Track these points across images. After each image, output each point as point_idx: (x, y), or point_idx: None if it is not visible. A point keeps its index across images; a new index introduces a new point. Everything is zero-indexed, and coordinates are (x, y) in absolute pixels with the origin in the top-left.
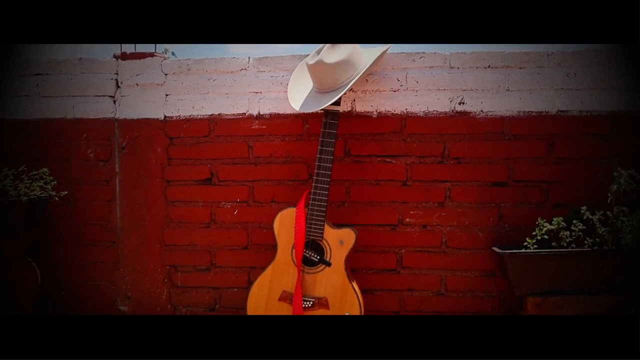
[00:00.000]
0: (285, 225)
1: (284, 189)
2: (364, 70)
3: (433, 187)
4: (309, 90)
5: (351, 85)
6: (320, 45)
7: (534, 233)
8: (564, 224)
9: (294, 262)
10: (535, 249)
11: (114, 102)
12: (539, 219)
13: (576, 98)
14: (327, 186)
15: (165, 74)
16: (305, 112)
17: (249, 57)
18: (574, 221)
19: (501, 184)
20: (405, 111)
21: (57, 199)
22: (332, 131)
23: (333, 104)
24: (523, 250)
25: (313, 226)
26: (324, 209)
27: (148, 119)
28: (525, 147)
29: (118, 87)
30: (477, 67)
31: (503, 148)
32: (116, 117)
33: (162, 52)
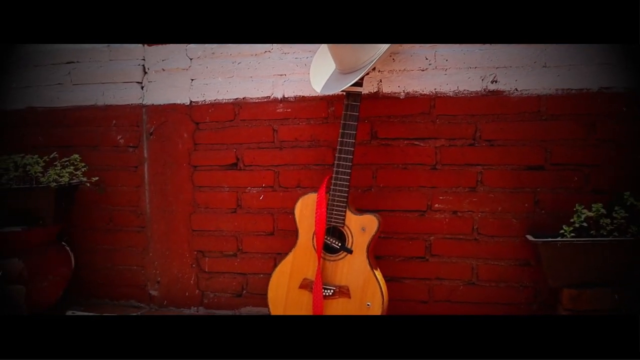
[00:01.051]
0: (307, 211)
1: (309, 173)
2: (384, 50)
3: (464, 171)
4: (332, 72)
5: (372, 65)
6: None
7: (571, 220)
8: (604, 210)
9: (314, 249)
10: (573, 237)
11: (142, 88)
12: (577, 205)
13: (621, 73)
14: (348, 171)
15: (190, 59)
16: (326, 94)
17: None
18: (616, 208)
19: (537, 167)
20: (434, 91)
21: (88, 184)
22: (353, 113)
23: (355, 85)
24: (558, 239)
25: (334, 212)
26: (346, 195)
27: (174, 104)
28: (563, 128)
29: (145, 72)
30: (510, 44)
31: (539, 129)
32: (144, 102)
33: None
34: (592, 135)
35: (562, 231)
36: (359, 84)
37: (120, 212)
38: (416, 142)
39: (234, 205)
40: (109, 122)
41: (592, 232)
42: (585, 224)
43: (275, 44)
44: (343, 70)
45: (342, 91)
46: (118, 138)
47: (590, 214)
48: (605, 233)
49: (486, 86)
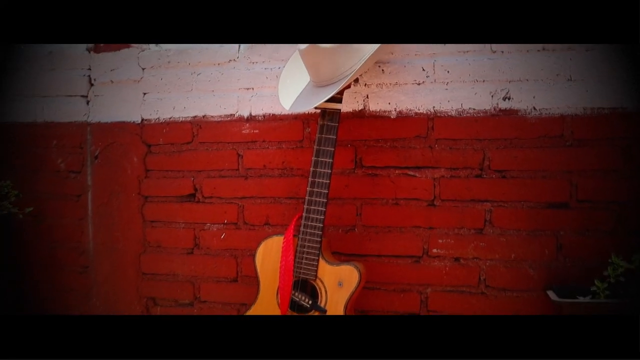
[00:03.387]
0: (270, 258)
1: (280, 208)
2: (369, 56)
3: (469, 209)
4: (305, 85)
5: (353, 76)
6: None
7: (605, 273)
8: None
9: (279, 306)
10: (607, 296)
11: (87, 102)
12: (612, 255)
13: None
14: (322, 209)
15: (143, 69)
16: (297, 112)
17: (239, 46)
18: None
19: (560, 205)
20: (432, 110)
21: (21, 216)
22: (330, 136)
23: (332, 100)
24: (588, 299)
25: (304, 261)
26: (319, 239)
27: (123, 122)
28: (593, 156)
29: (91, 84)
30: (527, 51)
31: (563, 157)
32: (89, 120)
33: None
34: (629, 165)
35: (594, 288)
36: (337, 99)
37: (61, 248)
38: (410, 172)
39: (190, 245)
40: (49, 143)
41: (631, 289)
42: (622, 279)
43: (243, 45)
44: (318, 82)
45: (316, 108)
46: (59, 161)
47: (630, 266)
48: None
49: (497, 104)
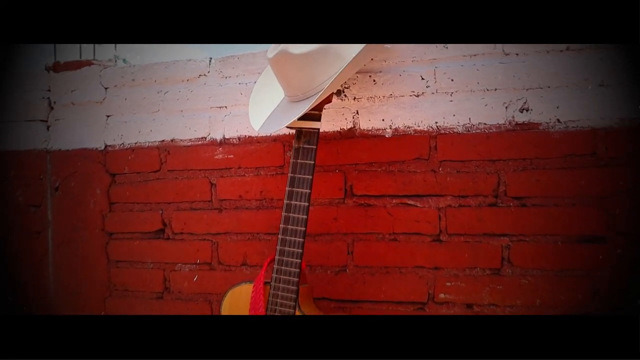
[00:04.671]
0: (238, 310)
1: (258, 245)
2: (347, 64)
3: (482, 245)
4: (280, 100)
5: (330, 88)
6: None
7: None
8: None
9: None
10: None
11: (47, 127)
12: None
13: None
14: (299, 250)
15: (106, 88)
16: (267, 133)
17: (210, 58)
18: None
19: (595, 239)
20: (435, 126)
21: None
22: (307, 162)
23: (308, 118)
24: None
25: (277, 314)
26: (295, 287)
27: (85, 149)
28: (633, 178)
29: (51, 108)
30: (547, 52)
31: (596, 180)
32: (48, 147)
33: (110, 60)
34: None
35: None
36: (315, 116)
37: (19, 292)
38: (410, 202)
39: (160, 288)
40: (7, 173)
41: None
42: None
43: (214, 58)
44: (293, 96)
45: (288, 128)
46: (17, 194)
47: None
48: None
49: (512, 117)
